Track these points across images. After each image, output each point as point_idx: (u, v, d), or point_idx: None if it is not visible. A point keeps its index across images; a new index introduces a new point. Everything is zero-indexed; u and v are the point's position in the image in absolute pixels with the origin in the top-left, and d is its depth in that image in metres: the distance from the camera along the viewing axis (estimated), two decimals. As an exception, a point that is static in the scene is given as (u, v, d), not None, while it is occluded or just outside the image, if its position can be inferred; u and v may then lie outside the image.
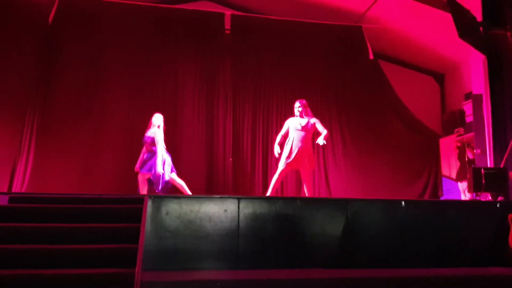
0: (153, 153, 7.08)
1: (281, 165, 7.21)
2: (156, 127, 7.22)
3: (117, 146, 8.59)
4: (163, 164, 7.01)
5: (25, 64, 8.37)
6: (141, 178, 7.12)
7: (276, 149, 7.29)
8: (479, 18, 7.23)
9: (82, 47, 8.79)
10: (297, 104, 7.41)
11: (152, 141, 7.13)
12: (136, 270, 3.73)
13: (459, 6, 7.03)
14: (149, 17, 9.21)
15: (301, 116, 7.30)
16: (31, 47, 8.47)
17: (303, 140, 7.18)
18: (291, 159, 7.09)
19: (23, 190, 7.77)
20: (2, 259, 3.99)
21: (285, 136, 7.36)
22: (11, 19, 8.38)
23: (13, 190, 7.77)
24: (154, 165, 6.96)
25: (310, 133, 7.28)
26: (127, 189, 8.08)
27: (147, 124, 7.67)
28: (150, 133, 7.23)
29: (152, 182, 7.02)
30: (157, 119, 7.32)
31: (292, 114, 7.57)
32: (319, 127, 7.31)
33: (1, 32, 8.28)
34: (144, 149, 7.32)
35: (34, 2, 8.63)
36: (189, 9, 9.66)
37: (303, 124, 7.22)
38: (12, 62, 8.26)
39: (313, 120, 7.35)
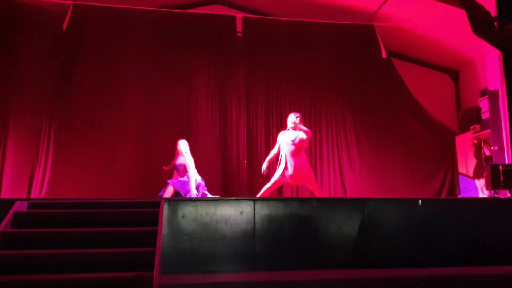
0: (181, 177, 7.31)
1: (276, 176, 7.15)
2: (185, 153, 7.34)
3: (134, 150, 8.68)
4: (198, 187, 7.26)
5: (40, 71, 8.51)
6: (170, 189, 7.24)
7: (264, 166, 7.27)
8: (493, 13, 7.15)
9: (96, 53, 8.89)
10: (291, 116, 7.24)
11: (185, 168, 7.31)
12: (154, 273, 3.76)
13: (473, 2, 6.96)
14: (161, 22, 9.29)
15: (293, 129, 7.16)
16: (47, 53, 8.62)
17: (294, 154, 7.07)
18: (287, 173, 7.05)
19: (41, 196, 7.87)
20: (21, 264, 4.05)
21: (278, 153, 7.27)
22: (26, 26, 8.53)
23: (32, 196, 7.89)
24: (187, 185, 7.14)
25: (301, 147, 7.15)
26: (144, 193, 8.17)
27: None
28: (180, 160, 7.37)
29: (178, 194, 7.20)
30: (184, 146, 7.44)
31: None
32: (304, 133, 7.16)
33: (16, 39, 8.43)
34: (175, 176, 7.46)
35: (48, 9, 8.75)
36: (201, 13, 9.72)
37: (292, 139, 7.09)
38: (28, 69, 8.43)
39: (301, 133, 7.14)
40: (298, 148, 7.10)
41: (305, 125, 9.33)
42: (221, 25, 9.53)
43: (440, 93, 10.71)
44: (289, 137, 7.14)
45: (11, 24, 8.46)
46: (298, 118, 7.22)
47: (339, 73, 9.76)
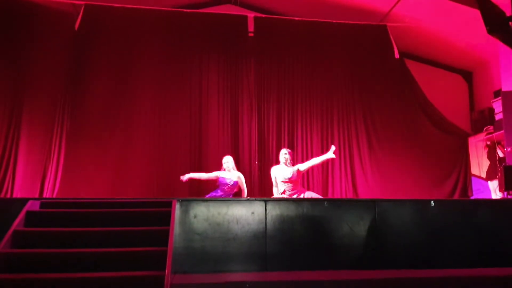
0: (227, 194, 7.16)
1: None
2: (233, 169, 7.28)
3: (146, 149, 8.70)
4: None
5: (53, 70, 8.56)
6: None
7: None
8: (508, 12, 7.07)
9: (109, 53, 8.92)
10: (283, 151, 7.27)
11: (232, 185, 7.18)
12: (166, 272, 3.75)
13: (488, 1, 6.88)
14: (173, 22, 9.30)
15: (285, 164, 7.14)
16: (59, 53, 8.66)
17: (293, 189, 7.04)
18: None
19: (54, 195, 7.91)
20: (34, 263, 4.07)
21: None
22: (38, 26, 8.58)
23: (44, 195, 7.93)
24: None
25: (298, 181, 7.16)
26: (157, 193, 8.20)
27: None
28: (226, 175, 7.22)
29: None
30: (230, 162, 7.33)
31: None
32: (306, 165, 7.32)
33: (29, 38, 8.49)
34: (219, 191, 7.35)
35: (60, 9, 8.81)
36: (212, 13, 9.72)
37: (289, 176, 7.03)
38: (41, 68, 8.48)
39: (296, 167, 7.18)
40: (295, 184, 7.07)
41: (317, 126, 9.34)
42: (232, 25, 9.52)
43: (453, 94, 10.63)
44: (286, 175, 7.07)
45: (23, 23, 8.52)
46: (288, 155, 7.22)
47: (351, 74, 9.72)
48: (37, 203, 4.93)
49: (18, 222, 4.41)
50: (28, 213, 4.64)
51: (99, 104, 8.66)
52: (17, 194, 7.85)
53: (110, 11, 9.08)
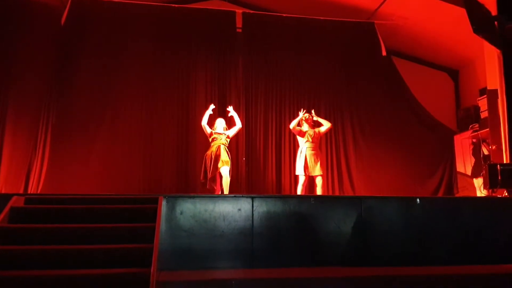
0: None
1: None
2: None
3: (133, 145, 8.67)
4: None
5: (38, 65, 8.45)
6: None
7: None
8: (493, 12, 7.14)
9: (95, 48, 8.86)
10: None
11: None
12: (152, 270, 3.73)
13: (474, 1, 6.94)
14: (160, 17, 9.26)
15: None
16: (45, 47, 8.55)
17: None
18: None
19: (38, 191, 7.83)
20: (18, 260, 4.02)
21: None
22: (24, 19, 8.43)
23: (29, 191, 7.85)
24: None
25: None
26: (143, 189, 8.15)
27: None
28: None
29: None
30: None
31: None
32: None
33: (14, 33, 8.35)
34: None
35: (46, 3, 8.69)
36: (200, 8, 9.68)
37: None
38: (26, 62, 8.34)
39: None
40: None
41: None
42: (220, 21, 9.49)
43: (439, 92, 10.73)
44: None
45: (8, 17, 8.36)
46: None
47: (338, 70, 9.75)
48: (22, 199, 4.86)
49: (1, 218, 4.35)
50: (12, 209, 4.57)
51: (85, 99, 8.59)
52: (1, 189, 7.74)
53: (97, 5, 9.02)
